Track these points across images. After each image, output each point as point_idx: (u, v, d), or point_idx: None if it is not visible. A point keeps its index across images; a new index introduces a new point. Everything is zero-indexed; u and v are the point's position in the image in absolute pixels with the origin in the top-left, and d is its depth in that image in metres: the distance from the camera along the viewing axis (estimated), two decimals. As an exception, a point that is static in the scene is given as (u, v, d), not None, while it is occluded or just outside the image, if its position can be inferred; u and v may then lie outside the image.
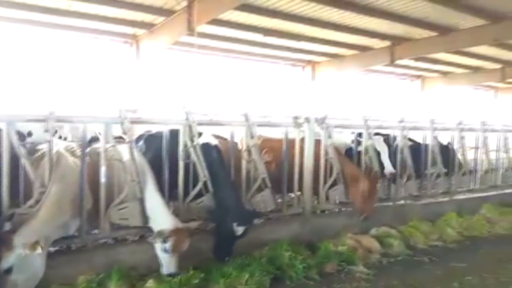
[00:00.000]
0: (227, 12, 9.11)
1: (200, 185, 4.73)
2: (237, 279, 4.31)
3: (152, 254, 4.29)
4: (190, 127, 4.82)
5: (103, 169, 4.22)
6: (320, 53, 14.02)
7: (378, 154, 6.66)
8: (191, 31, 8.75)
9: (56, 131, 5.65)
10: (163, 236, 4.12)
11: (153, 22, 10.20)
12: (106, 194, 4.29)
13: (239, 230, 4.63)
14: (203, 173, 4.74)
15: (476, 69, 16.73)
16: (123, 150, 4.45)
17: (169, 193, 4.76)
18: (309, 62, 15.45)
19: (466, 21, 10.29)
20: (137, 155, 4.47)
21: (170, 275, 4.15)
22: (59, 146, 4.30)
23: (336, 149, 6.34)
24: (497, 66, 15.88)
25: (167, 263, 4.18)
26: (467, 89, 20.32)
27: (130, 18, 9.86)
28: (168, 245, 4.12)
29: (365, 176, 6.03)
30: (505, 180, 8.97)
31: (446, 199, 7.76)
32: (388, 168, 6.60)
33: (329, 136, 6.14)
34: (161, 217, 4.29)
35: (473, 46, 12.11)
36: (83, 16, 9.39)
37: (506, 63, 15.46)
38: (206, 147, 4.95)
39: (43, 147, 4.15)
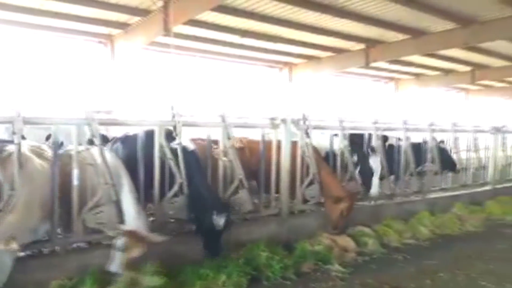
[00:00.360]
0: (203, 13, 9.08)
1: (176, 187, 4.68)
2: (213, 281, 4.30)
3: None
4: (175, 127, 4.80)
5: (75, 172, 4.13)
6: (297, 55, 14.15)
7: (372, 174, 6.68)
8: (167, 31, 8.67)
9: (50, 135, 5.49)
10: (117, 232, 4.09)
11: (128, 22, 10.06)
12: (77, 197, 4.20)
13: (220, 221, 4.65)
14: (179, 175, 4.70)
15: (447, 72, 17.22)
16: (97, 152, 4.36)
17: (145, 194, 4.70)
18: (286, 63, 15.56)
19: (438, 24, 10.59)
20: (111, 157, 4.40)
21: (113, 273, 4.09)
22: (23, 147, 4.14)
23: (316, 153, 6.39)
24: (468, 68, 16.41)
25: (114, 260, 4.11)
26: (439, 91, 20.91)
27: (104, 18, 9.69)
28: (120, 242, 4.08)
29: (347, 195, 6.04)
30: (475, 179, 9.27)
31: (419, 198, 7.96)
32: (375, 190, 6.64)
33: (307, 137, 6.20)
34: (130, 217, 4.25)
35: (444, 49, 12.46)
36: (56, 15, 9.17)
37: (476, 65, 15.99)
38: (184, 149, 4.91)
39: (10, 148, 3.97)
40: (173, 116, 4.79)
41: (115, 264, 4.11)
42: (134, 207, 4.32)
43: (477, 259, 5.88)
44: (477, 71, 16.44)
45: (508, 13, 9.47)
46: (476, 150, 9.29)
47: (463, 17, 10.01)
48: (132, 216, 4.27)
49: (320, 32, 11.29)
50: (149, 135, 4.78)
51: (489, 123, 10.06)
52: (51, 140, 5.32)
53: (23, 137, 4.33)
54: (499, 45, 12.65)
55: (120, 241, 4.09)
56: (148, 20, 9.57)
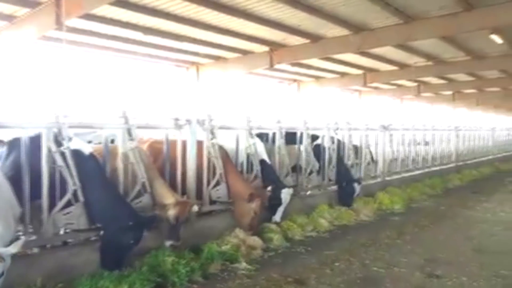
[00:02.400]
0: (101, 7, 8.57)
1: (69, 195, 4.31)
2: (114, 293, 4.06)
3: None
4: (60, 130, 4.38)
5: None
6: (204, 54, 14.12)
7: (280, 204, 6.69)
8: (59, 25, 8.00)
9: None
10: None
11: (15, 14, 9.12)
12: None
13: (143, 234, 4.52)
14: (72, 181, 4.34)
15: (343, 74, 18.68)
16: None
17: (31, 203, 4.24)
18: (193, 63, 15.43)
19: (334, 30, 11.40)
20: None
21: None
22: None
23: (223, 153, 6.41)
24: (360, 72, 17.97)
25: None
26: (336, 92, 22.57)
27: (-15, 8, 8.64)
28: None
29: (258, 193, 6.14)
30: (367, 173, 10.12)
31: (319, 192, 8.45)
32: (277, 217, 6.69)
33: (213, 137, 6.18)
34: None
35: (339, 53, 13.48)
36: None
37: (367, 69, 17.60)
38: (78, 153, 4.54)
39: None
40: (57, 118, 4.37)
41: None
42: None
43: (370, 247, 6.42)
44: (368, 74, 18.08)
45: (394, 22, 10.57)
46: (367, 146, 10.14)
47: (355, 24, 10.92)
48: None
49: (226, 33, 11.40)
50: (37, 138, 4.32)
51: (379, 121, 11.08)
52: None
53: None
54: (387, 51, 14.07)
55: None
56: (38, 12, 8.74)
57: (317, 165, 8.29)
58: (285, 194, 6.72)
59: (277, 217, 6.70)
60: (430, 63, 15.95)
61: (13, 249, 3.30)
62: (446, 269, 5.42)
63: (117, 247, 4.48)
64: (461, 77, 19.84)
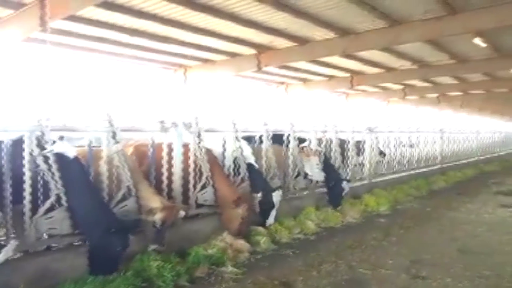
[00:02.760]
0: (87, 8, 8.48)
1: (52, 199, 4.24)
2: (98, 298, 4.01)
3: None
4: (42, 133, 4.32)
5: None
6: (191, 57, 14.07)
7: (272, 207, 6.72)
8: (43, 26, 7.89)
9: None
10: None
11: (-2, 15, 8.97)
12: None
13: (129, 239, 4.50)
14: (55, 185, 4.27)
15: (330, 77, 18.79)
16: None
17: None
18: (180, 65, 15.37)
19: (320, 33, 11.46)
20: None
21: None
22: None
23: (211, 156, 6.38)
24: (347, 74, 18.10)
25: None
26: (324, 94, 22.71)
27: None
28: None
29: (243, 197, 6.15)
30: (354, 175, 10.19)
31: (306, 194, 8.47)
32: (271, 220, 6.73)
33: (200, 140, 6.15)
34: None
35: (326, 56, 13.56)
36: None
37: (353, 72, 17.72)
38: (61, 156, 4.47)
39: None
40: (40, 121, 4.32)
41: None
42: None
43: (356, 248, 6.47)
44: (355, 77, 18.23)
45: (379, 26, 10.68)
46: (353, 148, 10.19)
47: (342, 28, 11.01)
48: None
49: (213, 35, 11.39)
50: (19, 141, 4.26)
51: (366, 123, 11.16)
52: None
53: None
54: (373, 54, 14.20)
55: None
56: (22, 14, 8.60)
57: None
58: (277, 196, 6.76)
59: (271, 220, 6.73)
60: (415, 66, 16.15)
61: (3, 257, 3.26)
62: (431, 270, 5.49)
63: (103, 252, 4.42)
64: (446, 80, 20.14)
